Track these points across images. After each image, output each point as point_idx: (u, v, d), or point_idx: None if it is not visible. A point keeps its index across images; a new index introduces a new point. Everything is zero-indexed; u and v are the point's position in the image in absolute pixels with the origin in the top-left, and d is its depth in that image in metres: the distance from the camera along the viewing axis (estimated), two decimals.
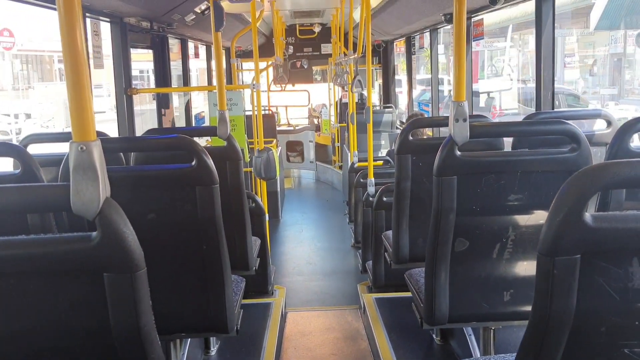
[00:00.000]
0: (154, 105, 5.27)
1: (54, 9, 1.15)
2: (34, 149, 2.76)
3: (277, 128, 9.60)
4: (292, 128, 10.98)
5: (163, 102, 5.29)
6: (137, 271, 1.14)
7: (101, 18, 3.84)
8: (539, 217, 2.04)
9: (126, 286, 1.14)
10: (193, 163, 1.96)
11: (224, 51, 8.42)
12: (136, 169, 2.23)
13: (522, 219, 2.03)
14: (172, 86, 5.64)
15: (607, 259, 1.10)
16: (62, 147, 2.70)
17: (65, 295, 1.17)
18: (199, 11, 4.67)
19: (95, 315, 1.18)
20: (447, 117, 2.19)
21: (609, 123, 2.92)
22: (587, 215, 1.07)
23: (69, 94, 1.12)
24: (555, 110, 3.64)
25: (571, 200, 1.06)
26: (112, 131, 4.06)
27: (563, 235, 1.07)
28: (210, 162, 1.97)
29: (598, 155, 2.81)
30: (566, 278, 1.09)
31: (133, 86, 4.17)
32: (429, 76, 7.05)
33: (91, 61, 3.67)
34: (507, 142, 2.86)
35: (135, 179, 1.97)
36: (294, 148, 10.32)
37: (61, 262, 1.13)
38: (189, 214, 1.98)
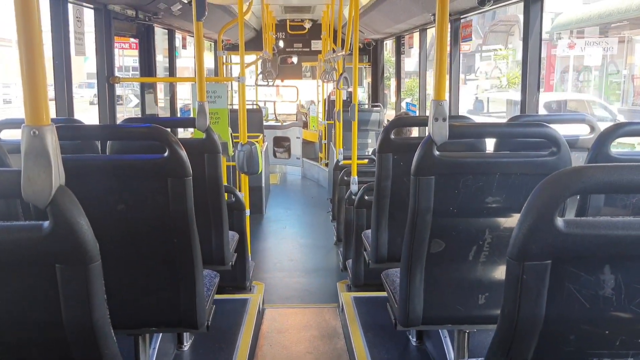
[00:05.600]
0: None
1: None
2: (8, 135, 2.70)
3: (265, 123, 9.53)
4: (279, 124, 10.91)
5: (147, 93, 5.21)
6: (91, 263, 1.09)
7: (84, 4, 3.76)
8: (516, 220, 2.01)
9: (79, 279, 1.09)
10: (166, 154, 1.91)
11: (212, 44, 8.35)
12: (106, 157, 2.17)
13: (499, 222, 2.01)
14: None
15: (578, 266, 1.07)
16: None
17: (15, 287, 1.12)
18: (186, 1, 4.59)
19: (46, 308, 1.12)
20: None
21: (592, 128, 2.91)
22: (559, 220, 1.03)
23: (22, 75, 1.07)
24: (539, 114, 3.63)
25: (542, 204, 1.03)
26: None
27: (533, 239, 1.04)
28: (183, 153, 1.92)
29: (580, 161, 2.79)
30: (535, 284, 1.06)
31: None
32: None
33: (73, 47, 3.60)
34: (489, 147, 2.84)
35: (105, 167, 1.91)
36: (281, 144, 10.26)
37: (10, 252, 1.07)
38: (160, 206, 1.93)
